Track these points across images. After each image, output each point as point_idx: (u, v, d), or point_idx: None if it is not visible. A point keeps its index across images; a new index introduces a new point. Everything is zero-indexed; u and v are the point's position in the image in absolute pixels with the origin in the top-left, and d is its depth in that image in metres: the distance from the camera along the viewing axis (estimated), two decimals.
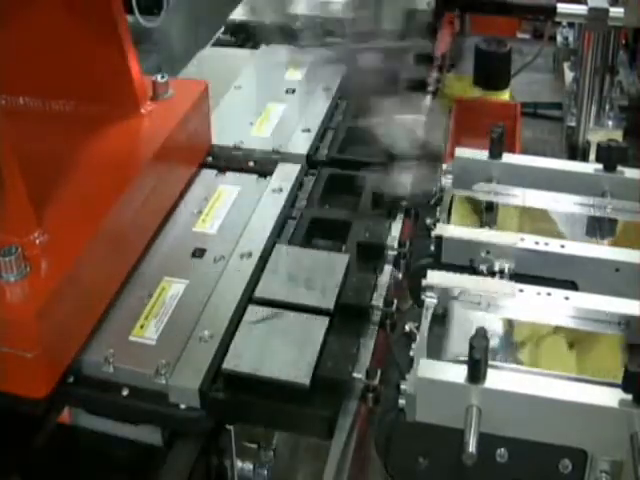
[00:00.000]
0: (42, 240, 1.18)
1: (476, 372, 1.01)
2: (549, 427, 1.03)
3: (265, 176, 1.57)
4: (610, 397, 1.01)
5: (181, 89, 1.54)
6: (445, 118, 2.14)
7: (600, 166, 1.40)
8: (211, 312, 1.24)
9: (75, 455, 1.23)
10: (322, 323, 1.20)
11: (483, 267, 1.27)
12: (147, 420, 1.18)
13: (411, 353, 1.13)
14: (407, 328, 1.19)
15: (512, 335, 1.23)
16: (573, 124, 2.42)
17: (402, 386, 1.06)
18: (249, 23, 2.21)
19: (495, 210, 1.41)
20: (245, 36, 2.21)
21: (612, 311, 1.16)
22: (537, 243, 1.28)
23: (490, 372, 1.03)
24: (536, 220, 1.41)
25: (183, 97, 1.52)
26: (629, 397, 1.00)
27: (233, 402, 1.13)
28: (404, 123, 1.46)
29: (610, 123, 2.43)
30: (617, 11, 2.09)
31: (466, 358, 1.02)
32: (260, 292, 1.27)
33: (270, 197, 1.50)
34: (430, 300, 1.20)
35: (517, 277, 1.25)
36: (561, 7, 2.16)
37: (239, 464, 1.22)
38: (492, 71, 2.70)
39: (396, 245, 1.38)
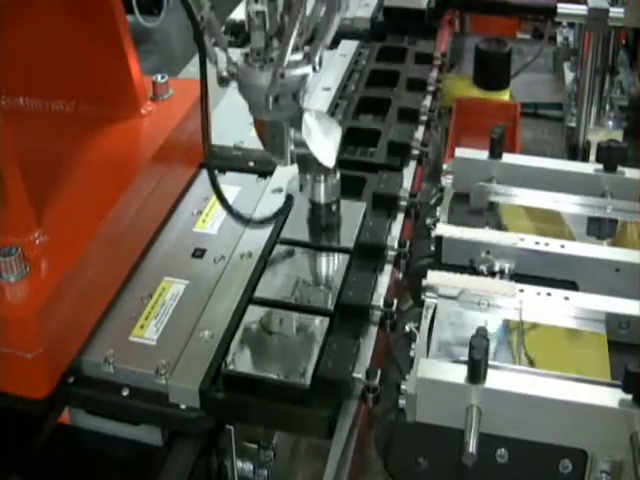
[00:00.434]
0: (42, 240, 1.18)
1: (476, 372, 1.01)
2: (549, 427, 1.03)
3: (265, 176, 1.57)
4: (610, 397, 1.01)
5: (181, 89, 1.53)
6: None
7: (600, 166, 1.40)
8: (211, 312, 1.24)
9: (75, 455, 1.22)
10: (322, 323, 1.20)
11: (483, 267, 1.27)
12: (147, 420, 1.18)
13: (411, 353, 1.13)
14: (407, 328, 1.20)
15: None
16: (573, 124, 2.42)
17: (402, 386, 1.06)
18: None
19: (495, 210, 1.41)
20: (245, 36, 2.20)
21: (612, 311, 1.16)
22: (537, 243, 1.28)
23: (490, 372, 1.03)
24: (546, 221, 1.41)
25: (183, 97, 1.51)
26: (629, 397, 1.00)
27: (233, 402, 1.13)
28: None
29: (610, 123, 2.43)
30: (617, 11, 2.10)
31: (465, 358, 1.02)
32: (260, 292, 1.27)
33: (270, 197, 1.50)
34: (430, 300, 1.20)
35: (517, 277, 1.25)
36: (561, 7, 2.16)
37: (239, 464, 1.22)
38: (492, 71, 2.70)
39: (396, 245, 1.38)
